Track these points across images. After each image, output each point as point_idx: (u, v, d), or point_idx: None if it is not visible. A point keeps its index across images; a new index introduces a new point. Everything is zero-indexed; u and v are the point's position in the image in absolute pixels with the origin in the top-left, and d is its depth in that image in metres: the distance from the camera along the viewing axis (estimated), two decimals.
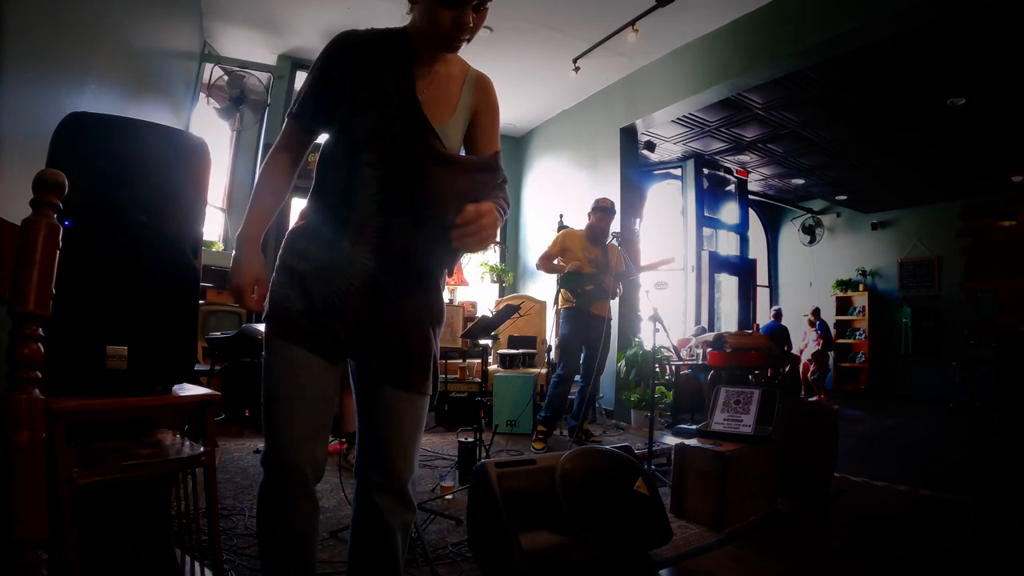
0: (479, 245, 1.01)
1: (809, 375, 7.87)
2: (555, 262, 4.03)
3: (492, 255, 7.18)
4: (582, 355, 4.02)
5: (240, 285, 1.10)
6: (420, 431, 1.18)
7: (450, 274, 1.28)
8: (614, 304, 4.64)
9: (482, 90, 1.23)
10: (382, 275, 1.09)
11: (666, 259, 3.86)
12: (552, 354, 5.20)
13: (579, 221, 5.02)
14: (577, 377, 4.06)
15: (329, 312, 1.08)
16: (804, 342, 8.09)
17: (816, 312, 8.16)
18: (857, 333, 9.05)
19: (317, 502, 1.12)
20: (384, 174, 1.07)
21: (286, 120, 1.19)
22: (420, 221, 1.07)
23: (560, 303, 4.04)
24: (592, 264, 3.94)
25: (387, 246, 1.08)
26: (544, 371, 4.98)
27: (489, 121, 1.24)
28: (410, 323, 1.13)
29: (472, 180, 1.08)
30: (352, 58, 1.11)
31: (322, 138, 1.20)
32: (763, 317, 8.46)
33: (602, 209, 4.00)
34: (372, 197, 1.07)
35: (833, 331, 8.68)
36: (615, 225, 5.27)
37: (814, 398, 7.76)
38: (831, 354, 8.25)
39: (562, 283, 4.01)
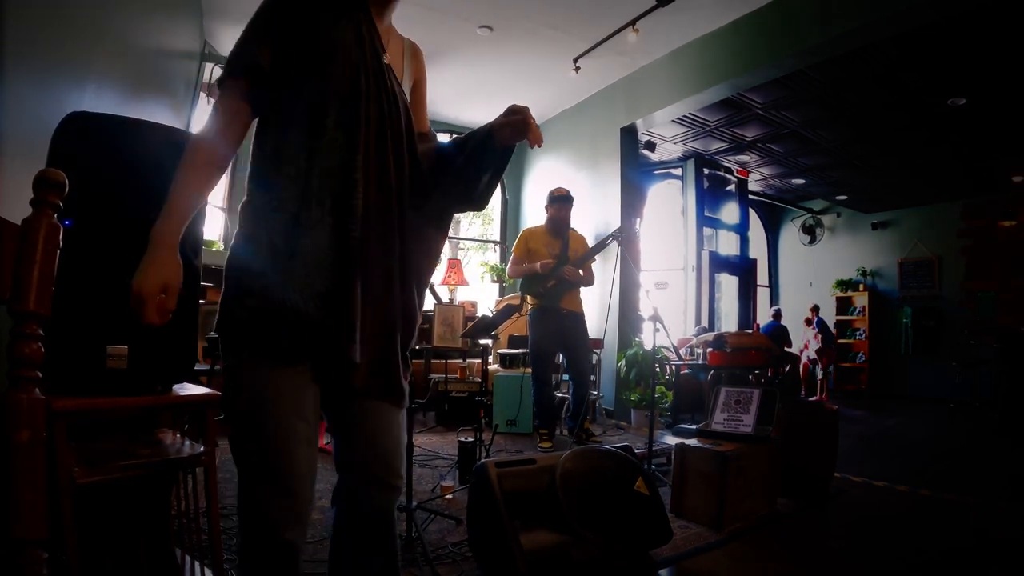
0: (534, 137, 1.03)
1: (819, 373, 7.87)
2: (524, 265, 3.96)
3: (492, 255, 7.18)
4: (560, 359, 3.97)
5: (142, 290, 0.85)
6: (402, 440, 1.10)
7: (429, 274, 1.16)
8: (614, 303, 4.63)
9: (419, 60, 1.19)
10: (362, 257, 0.96)
11: (611, 234, 3.84)
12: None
13: (579, 221, 5.03)
14: (566, 376, 4.04)
15: (316, 308, 0.92)
16: (804, 340, 8.09)
17: (815, 309, 8.15)
18: (857, 333, 9.04)
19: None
20: (359, 136, 0.96)
21: (217, 94, 0.98)
22: (404, 189, 1.04)
23: (528, 305, 3.99)
24: (553, 258, 3.90)
25: (367, 219, 0.96)
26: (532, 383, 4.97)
27: (424, 93, 1.21)
28: (391, 324, 1.02)
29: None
30: (300, 7, 0.96)
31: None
32: (763, 317, 8.46)
33: (559, 199, 3.96)
34: (346, 162, 0.95)
35: (833, 331, 8.68)
36: (615, 224, 5.27)
37: (814, 398, 7.77)
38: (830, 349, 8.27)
39: (523, 288, 3.97)
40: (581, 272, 3.92)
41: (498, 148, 1.06)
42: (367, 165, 0.97)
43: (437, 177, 1.11)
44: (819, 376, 7.86)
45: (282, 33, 0.95)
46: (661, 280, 3.68)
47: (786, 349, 7.68)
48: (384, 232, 0.99)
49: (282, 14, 0.96)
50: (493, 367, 4.94)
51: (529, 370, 4.81)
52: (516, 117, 1.03)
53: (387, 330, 1.01)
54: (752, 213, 8.94)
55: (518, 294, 6.45)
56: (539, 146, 1.05)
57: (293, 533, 0.93)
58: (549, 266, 3.82)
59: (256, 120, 1.01)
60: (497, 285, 6.99)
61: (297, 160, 0.94)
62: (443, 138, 1.23)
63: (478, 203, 1.13)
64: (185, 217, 0.91)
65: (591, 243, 4.26)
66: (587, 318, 4.13)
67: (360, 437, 1.05)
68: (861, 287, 9.11)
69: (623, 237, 3.94)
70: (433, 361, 5.05)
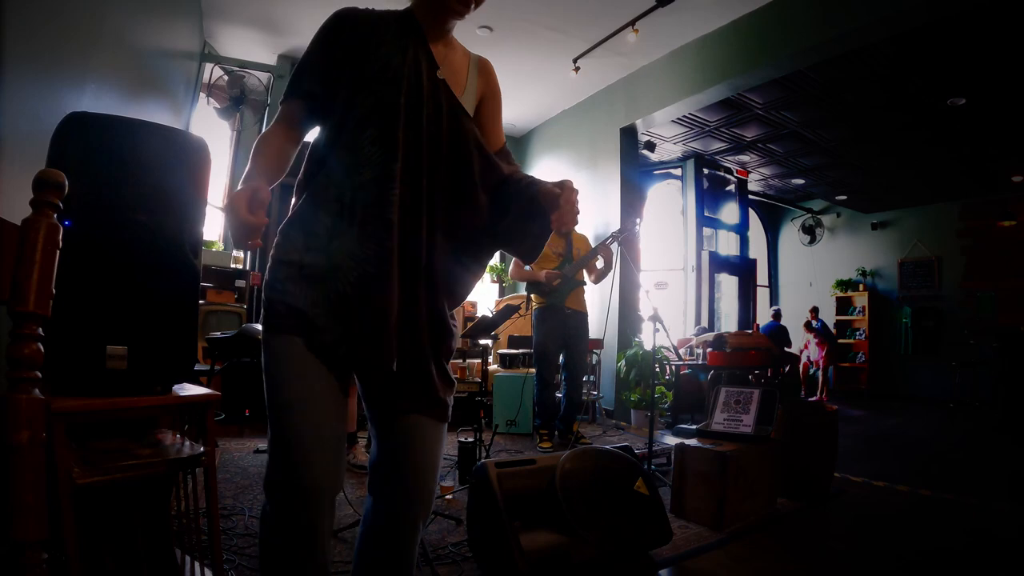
0: (573, 220, 0.99)
1: (819, 376, 7.88)
2: (527, 271, 3.98)
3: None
4: (561, 358, 4.00)
5: (231, 196, 0.87)
6: (439, 457, 1.09)
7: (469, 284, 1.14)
8: (614, 302, 4.64)
9: (487, 74, 1.17)
10: (386, 268, 0.97)
11: (612, 234, 3.85)
12: None
13: (579, 221, 5.02)
14: (562, 377, 4.05)
15: (342, 304, 0.97)
16: (804, 341, 8.09)
17: (814, 311, 8.15)
18: (857, 333, 9.05)
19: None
20: (400, 152, 0.99)
21: (279, 108, 1.08)
22: (452, 205, 1.04)
23: (533, 304, 4.01)
24: (557, 257, 3.95)
25: (395, 233, 0.98)
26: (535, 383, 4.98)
27: (495, 107, 1.19)
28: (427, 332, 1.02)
29: (489, 166, 1.08)
30: (357, 31, 1.04)
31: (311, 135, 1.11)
32: (763, 317, 8.46)
33: None
34: (378, 177, 0.98)
35: (833, 331, 8.69)
36: (615, 224, 5.27)
37: (814, 398, 7.77)
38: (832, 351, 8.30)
39: (529, 288, 4.01)
40: (601, 262, 3.91)
41: (540, 214, 1.04)
42: (400, 181, 0.99)
43: (494, 214, 1.10)
44: (819, 378, 7.87)
45: (333, 59, 1.03)
46: (661, 280, 3.69)
47: (786, 349, 7.68)
48: (411, 246, 1.00)
49: (333, 42, 1.04)
50: (493, 367, 4.94)
51: (529, 370, 4.82)
52: (559, 199, 0.99)
53: (414, 339, 1.01)
54: (752, 213, 8.94)
55: (518, 294, 6.47)
56: (564, 230, 1.03)
57: (318, 470, 0.94)
58: (553, 277, 3.84)
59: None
60: (497, 285, 6.99)
61: (337, 172, 1.01)
62: None
63: (526, 256, 1.13)
64: (257, 175, 0.96)
65: (592, 244, 4.26)
66: (587, 318, 4.14)
67: (393, 452, 1.04)
68: (861, 287, 9.12)
69: (623, 237, 3.95)
70: None
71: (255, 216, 0.86)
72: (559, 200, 0.98)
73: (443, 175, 1.04)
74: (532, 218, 1.05)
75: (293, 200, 1.08)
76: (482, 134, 1.13)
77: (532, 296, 3.99)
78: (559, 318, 3.91)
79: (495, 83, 1.19)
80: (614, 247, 3.93)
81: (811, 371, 7.98)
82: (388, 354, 0.96)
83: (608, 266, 3.92)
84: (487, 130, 1.16)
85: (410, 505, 1.04)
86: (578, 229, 4.44)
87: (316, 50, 1.05)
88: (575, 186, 1.01)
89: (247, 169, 0.98)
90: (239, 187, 0.90)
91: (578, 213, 0.99)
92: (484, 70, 1.17)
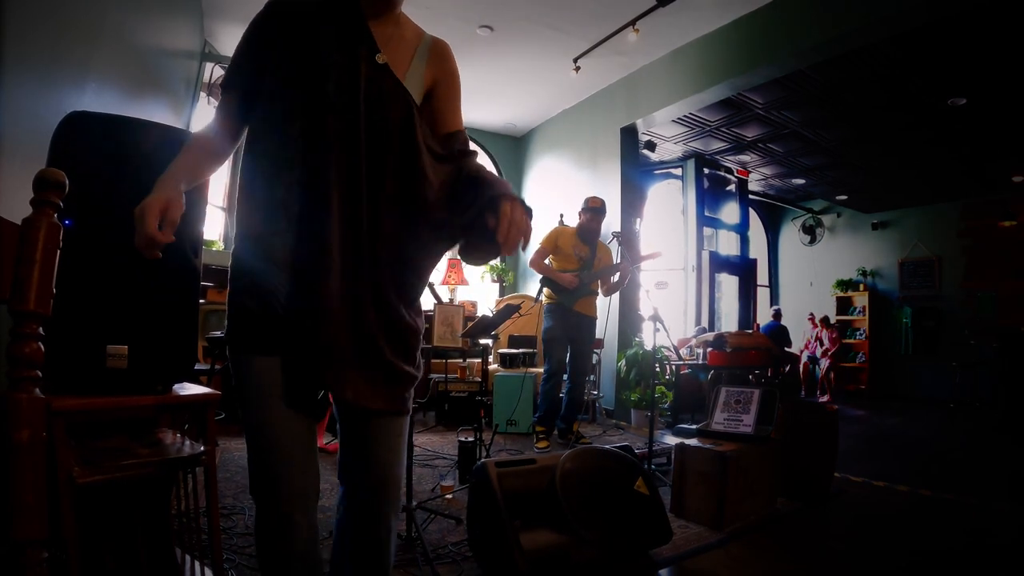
0: (525, 242, 0.95)
1: (819, 372, 7.93)
2: (546, 261, 4.05)
3: None
4: (568, 352, 4.03)
5: (144, 206, 0.85)
6: (402, 451, 1.08)
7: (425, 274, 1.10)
8: (614, 302, 4.64)
9: (440, 56, 1.09)
10: (325, 264, 0.95)
11: (653, 254, 3.92)
12: None
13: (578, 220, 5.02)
14: (564, 377, 4.07)
15: (301, 316, 0.95)
16: (810, 336, 8.12)
17: (824, 321, 8.33)
18: (857, 333, 9.04)
19: (317, 526, 1.04)
20: (333, 144, 0.95)
21: (220, 96, 1.05)
22: (396, 197, 0.99)
23: (544, 299, 4.07)
24: (579, 260, 4.00)
25: (332, 228, 0.95)
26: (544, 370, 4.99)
27: (450, 90, 1.11)
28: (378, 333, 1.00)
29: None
30: (288, 18, 0.98)
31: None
32: (763, 317, 8.46)
33: (592, 210, 4.04)
34: (310, 172, 0.95)
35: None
36: (615, 224, 5.27)
37: (825, 398, 7.78)
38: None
39: (543, 282, 4.05)
40: (617, 277, 3.99)
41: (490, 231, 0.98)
42: (332, 175, 0.95)
43: (448, 207, 1.04)
44: (822, 375, 7.89)
45: (261, 50, 0.99)
46: (661, 280, 3.67)
47: (786, 349, 7.68)
48: (351, 241, 0.96)
49: (264, 31, 1.00)
50: (493, 367, 4.94)
51: (529, 370, 4.82)
52: (499, 221, 0.93)
53: (362, 335, 0.98)
54: (752, 213, 8.93)
55: (518, 294, 6.47)
56: (506, 254, 0.98)
57: (298, 506, 0.98)
58: (571, 281, 3.89)
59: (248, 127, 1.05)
60: (497, 285, 6.99)
61: (270, 169, 0.97)
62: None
63: (472, 263, 1.11)
64: (179, 176, 0.94)
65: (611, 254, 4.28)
66: (595, 323, 4.18)
67: (354, 448, 1.05)
68: (861, 287, 9.11)
69: (624, 237, 3.99)
70: (433, 361, 5.05)
71: (162, 234, 0.85)
72: (500, 231, 0.93)
73: (384, 166, 0.99)
74: (482, 232, 0.98)
75: (239, 209, 1.03)
76: (436, 118, 1.09)
77: (544, 290, 4.04)
78: (567, 317, 3.98)
79: (451, 65, 1.11)
80: (613, 244, 3.96)
81: (812, 368, 7.99)
82: (333, 359, 0.96)
83: (622, 283, 4.01)
84: (442, 113, 1.10)
85: (374, 494, 1.04)
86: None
87: (244, 41, 1.02)
88: (518, 211, 0.94)
89: (173, 163, 0.95)
90: (154, 192, 0.88)
91: (524, 237, 0.94)
92: (437, 51, 1.10)
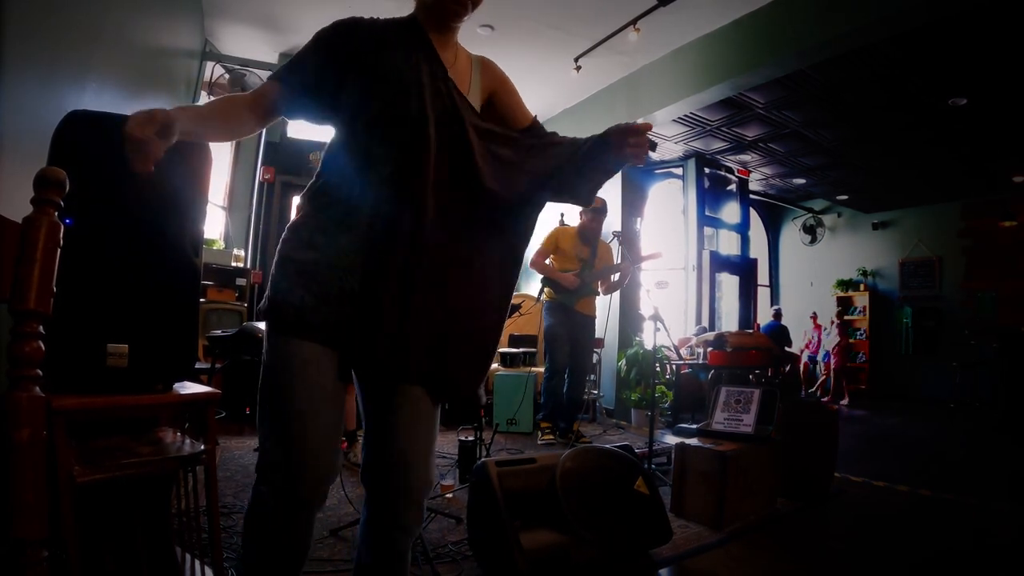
0: (642, 156, 1.08)
1: (832, 371, 7.95)
2: (547, 262, 4.05)
3: None
4: (569, 349, 4.04)
5: (132, 116, 0.83)
6: (435, 438, 1.16)
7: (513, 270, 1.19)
8: (615, 302, 4.65)
9: (488, 69, 1.23)
10: (388, 263, 1.01)
11: (654, 254, 3.92)
12: None
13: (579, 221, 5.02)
14: (565, 375, 4.09)
15: (345, 300, 1.00)
16: (828, 338, 8.13)
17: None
18: (858, 333, 9.04)
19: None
20: (412, 152, 1.03)
21: (266, 81, 1.10)
22: (448, 204, 1.06)
23: (544, 297, 4.09)
24: (580, 262, 4.01)
25: (401, 230, 1.01)
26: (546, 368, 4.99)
27: (509, 95, 1.24)
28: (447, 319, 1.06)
29: (515, 147, 1.14)
30: (360, 38, 1.07)
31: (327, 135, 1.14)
32: (764, 317, 8.46)
33: (593, 210, 4.02)
34: (385, 177, 1.02)
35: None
36: (615, 224, 5.27)
37: (844, 401, 7.78)
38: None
39: (545, 282, 4.07)
40: (617, 277, 4.01)
41: (612, 156, 1.12)
42: (410, 180, 1.03)
43: (535, 175, 1.15)
44: (828, 374, 7.90)
45: (329, 64, 1.06)
46: (661, 279, 3.68)
47: (786, 349, 7.68)
48: (419, 243, 1.02)
49: (333, 47, 1.06)
50: (494, 366, 4.94)
51: (530, 369, 4.82)
52: (636, 139, 1.08)
53: (428, 337, 1.05)
54: (753, 213, 8.92)
55: (518, 294, 6.46)
56: (637, 164, 1.11)
57: (315, 475, 0.99)
58: (572, 281, 3.90)
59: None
60: None
61: (346, 173, 1.05)
62: None
63: (584, 200, 1.21)
64: (185, 109, 0.92)
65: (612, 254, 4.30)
66: (595, 322, 4.19)
67: (385, 434, 1.09)
68: (862, 287, 9.11)
69: (624, 236, 4.00)
70: None
71: (153, 139, 0.83)
72: (627, 138, 1.06)
73: (454, 174, 1.07)
74: (591, 159, 1.13)
75: (302, 202, 1.11)
76: (509, 116, 1.22)
77: (545, 289, 4.06)
78: (567, 316, 4.00)
79: (499, 72, 1.24)
80: (614, 244, 3.97)
81: (813, 368, 7.99)
82: (390, 353, 1.00)
83: (622, 283, 4.03)
84: (512, 111, 1.23)
85: (400, 491, 1.10)
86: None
87: (310, 51, 1.08)
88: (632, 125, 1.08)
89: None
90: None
91: (647, 149, 1.08)
92: (485, 66, 1.22)
